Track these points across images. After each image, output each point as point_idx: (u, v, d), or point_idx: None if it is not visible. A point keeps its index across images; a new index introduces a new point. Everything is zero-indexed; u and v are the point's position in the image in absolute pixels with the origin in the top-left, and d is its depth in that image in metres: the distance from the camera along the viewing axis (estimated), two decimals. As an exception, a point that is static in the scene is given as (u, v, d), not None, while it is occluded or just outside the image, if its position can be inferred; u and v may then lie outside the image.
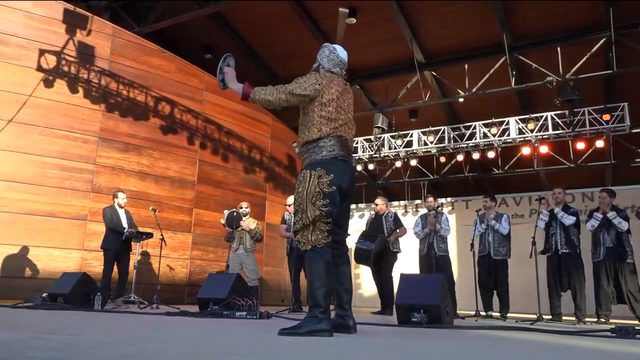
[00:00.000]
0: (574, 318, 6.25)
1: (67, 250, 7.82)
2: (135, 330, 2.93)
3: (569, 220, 6.27)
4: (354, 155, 12.88)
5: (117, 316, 4.45)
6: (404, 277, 4.34)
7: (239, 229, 7.05)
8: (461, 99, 11.10)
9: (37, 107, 7.94)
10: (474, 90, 10.50)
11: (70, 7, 8.49)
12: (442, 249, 6.96)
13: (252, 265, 7.05)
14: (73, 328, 2.87)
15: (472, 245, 6.69)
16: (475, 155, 11.64)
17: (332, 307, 2.95)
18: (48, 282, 6.83)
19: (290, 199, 7.28)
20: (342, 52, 3.22)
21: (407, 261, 8.21)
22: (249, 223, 7.13)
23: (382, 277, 7.10)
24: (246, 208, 7.24)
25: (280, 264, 10.64)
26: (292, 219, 7.18)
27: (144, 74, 9.10)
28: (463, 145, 11.72)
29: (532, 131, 10.83)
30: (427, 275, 5.83)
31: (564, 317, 6.29)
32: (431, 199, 7.22)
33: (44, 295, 5.59)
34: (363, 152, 12.85)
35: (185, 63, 9.77)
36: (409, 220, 11.98)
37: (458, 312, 6.90)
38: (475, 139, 11.52)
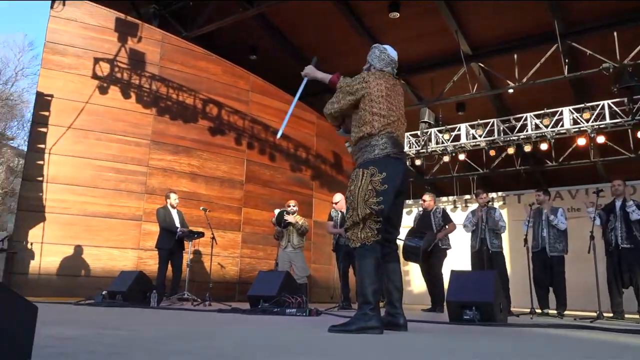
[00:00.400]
0: (637, 316, 5.93)
1: (124, 250, 8.15)
2: (189, 326, 3.01)
3: (638, 215, 5.95)
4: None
5: (172, 313, 4.59)
6: (454, 274, 4.26)
7: (288, 226, 7.11)
8: (511, 90, 10.77)
9: (93, 113, 8.30)
10: (524, 80, 10.16)
11: (122, 16, 8.83)
12: (496, 245, 6.77)
13: (300, 262, 7.10)
14: (131, 324, 2.98)
15: (525, 240, 6.48)
16: (527, 148, 11.27)
17: (381, 304, 2.93)
18: (107, 280, 7.13)
19: (337, 197, 7.28)
20: (392, 52, 3.22)
21: (458, 258, 8.04)
22: (296, 218, 7.19)
23: (431, 274, 6.99)
24: (294, 206, 7.30)
25: (328, 262, 10.67)
26: (338, 215, 7.20)
27: (192, 78, 9.34)
28: (514, 138, 11.37)
29: (587, 121, 10.37)
30: (480, 272, 5.69)
31: (626, 315, 5.99)
32: (484, 194, 7.04)
33: (103, 292, 5.84)
34: (410, 147, 12.69)
35: (231, 65, 9.95)
36: (458, 216, 11.73)
37: (512, 309, 6.71)
38: (527, 131, 11.14)
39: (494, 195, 12.80)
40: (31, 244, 7.55)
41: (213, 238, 7.28)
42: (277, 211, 7.20)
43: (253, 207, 9.67)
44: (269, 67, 11.48)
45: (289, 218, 7.06)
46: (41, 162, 7.85)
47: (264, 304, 4.87)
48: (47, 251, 7.59)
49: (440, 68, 11.39)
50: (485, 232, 6.76)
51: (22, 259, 7.45)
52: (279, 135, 3.76)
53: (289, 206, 7.27)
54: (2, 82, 22.89)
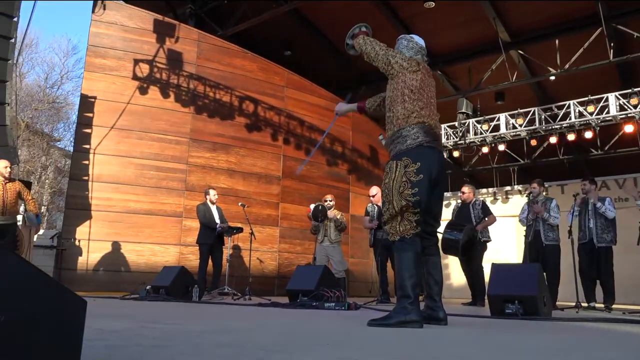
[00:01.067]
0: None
1: (166, 246, 8.36)
2: (230, 320, 3.07)
3: None
4: (437, 143, 12.55)
5: (213, 307, 4.69)
6: (495, 267, 4.17)
7: (325, 221, 7.12)
8: (552, 77, 10.42)
9: (134, 113, 8.54)
10: (567, 66, 9.80)
11: (159, 17, 9.03)
12: (550, 237, 6.55)
13: (338, 257, 7.11)
14: (174, 318, 3.06)
15: (569, 232, 6.27)
16: (570, 137, 10.88)
17: (420, 298, 2.90)
18: (150, 275, 7.35)
19: (373, 190, 7.23)
20: (420, 40, 3.20)
21: (499, 250, 7.86)
22: (335, 214, 7.20)
23: (471, 268, 6.87)
24: (331, 201, 7.31)
25: (366, 255, 10.64)
26: (375, 210, 7.15)
27: (229, 75, 9.47)
28: (556, 127, 11.00)
29: (635, 107, 9.92)
30: (522, 265, 5.54)
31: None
32: (535, 185, 6.81)
33: (147, 287, 6.01)
34: (447, 139, 12.48)
35: (267, 61, 10.03)
36: (498, 208, 11.47)
37: (557, 303, 6.51)
38: (570, 119, 10.76)
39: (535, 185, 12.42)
40: (79, 240, 7.85)
41: (252, 233, 7.37)
42: (312, 206, 7.22)
43: (290, 202, 9.74)
44: (304, 62, 11.50)
45: (330, 214, 7.07)
46: (86, 162, 8.13)
47: (302, 298, 4.90)
48: (93, 247, 7.88)
49: (478, 57, 11.13)
50: (539, 224, 6.55)
51: (71, 255, 7.76)
52: (298, 172, 4.13)
53: (326, 201, 7.28)
54: (49, 85, 23.81)
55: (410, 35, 3.24)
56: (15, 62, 6.54)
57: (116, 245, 8.01)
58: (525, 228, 6.52)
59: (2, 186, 5.99)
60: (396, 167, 2.82)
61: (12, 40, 6.44)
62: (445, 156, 12.34)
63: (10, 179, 6.14)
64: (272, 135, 9.77)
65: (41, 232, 9.45)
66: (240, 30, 10.38)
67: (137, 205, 8.28)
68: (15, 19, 6.47)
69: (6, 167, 6.12)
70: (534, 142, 11.62)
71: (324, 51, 11.59)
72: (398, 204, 2.76)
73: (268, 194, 9.52)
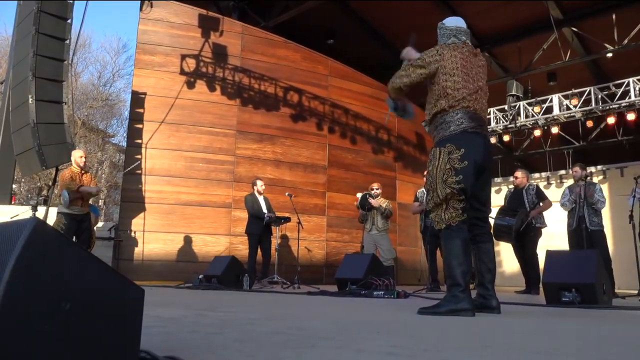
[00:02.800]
0: None
1: (217, 236, 8.58)
2: (281, 308, 3.11)
3: None
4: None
5: (264, 295, 4.78)
6: (551, 254, 4.03)
7: (372, 209, 7.09)
8: (609, 54, 9.88)
9: (183, 107, 8.76)
10: (625, 42, 9.27)
11: (204, 11, 9.19)
12: (595, 222, 6.29)
13: (387, 245, 7.07)
14: (227, 306, 3.14)
15: (630, 216, 5.97)
16: (630, 116, 10.32)
17: (471, 286, 2.85)
18: (202, 264, 7.56)
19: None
20: (450, 22, 3.07)
21: (553, 237, 7.60)
22: (380, 202, 7.15)
23: (525, 254, 6.67)
24: (377, 189, 7.26)
25: (414, 244, 10.53)
26: (425, 196, 7.06)
27: (273, 67, 9.54)
28: (614, 106, 10.46)
29: (702, 82, 9.29)
30: (580, 251, 5.33)
31: None
32: (577, 168, 6.56)
33: (200, 276, 6.19)
34: (497, 123, 12.11)
35: (309, 51, 10.03)
36: (553, 193, 11.06)
37: (617, 291, 6.23)
38: (629, 98, 10.20)
39: (592, 169, 11.89)
40: (134, 232, 8.17)
41: (299, 223, 7.43)
42: (360, 195, 7.20)
43: (336, 191, 9.75)
44: (347, 50, 11.41)
45: (373, 202, 7.03)
46: (139, 156, 8.43)
47: (351, 286, 4.91)
48: (148, 238, 8.18)
49: (528, 36, 10.70)
50: (583, 209, 6.30)
51: (127, 246, 8.10)
52: (386, 122, 3.78)
53: (372, 189, 7.24)
54: (102, 84, 24.76)
55: (442, 21, 3.11)
56: (70, 62, 6.83)
57: (169, 236, 8.29)
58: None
59: (79, 176, 6.18)
60: (440, 154, 2.75)
61: (67, 42, 6.73)
62: (494, 141, 12.05)
63: (85, 170, 6.37)
64: (317, 124, 9.79)
65: (100, 224, 9.89)
66: (282, 20, 10.42)
67: (188, 197, 8.52)
68: (69, 21, 6.75)
69: (81, 156, 6.32)
70: (590, 124, 11.09)
71: (366, 38, 11.46)
72: (442, 192, 2.70)
73: (314, 183, 9.57)
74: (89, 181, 6.34)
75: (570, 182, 6.67)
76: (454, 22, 3.06)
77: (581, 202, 6.32)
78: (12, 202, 9.00)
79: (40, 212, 6.60)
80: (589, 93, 10.76)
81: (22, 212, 6.97)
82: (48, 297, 0.82)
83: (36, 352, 0.80)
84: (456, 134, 2.74)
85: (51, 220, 6.36)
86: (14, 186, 10.53)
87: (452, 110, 2.78)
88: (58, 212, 6.12)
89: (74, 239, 6.01)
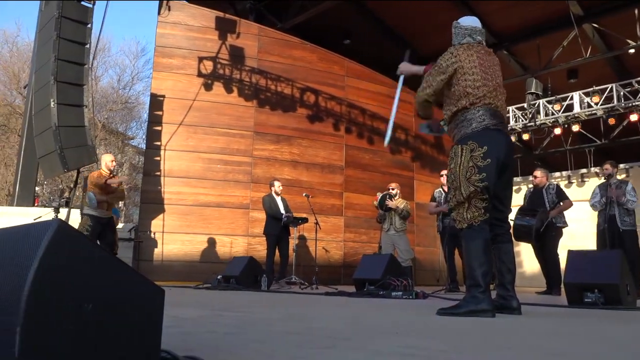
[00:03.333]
0: None
1: (234, 237, 8.63)
2: (299, 308, 3.12)
3: None
4: (505, 126, 12.06)
5: (282, 296, 4.79)
6: (572, 254, 3.96)
7: (390, 210, 7.06)
8: (632, 50, 9.69)
9: (200, 109, 8.84)
10: (648, 38, 9.08)
11: (221, 14, 9.26)
12: (627, 222, 6.14)
13: (404, 245, 7.03)
14: (245, 306, 3.16)
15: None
16: (654, 113, 10.10)
17: (491, 287, 2.81)
18: (221, 265, 7.61)
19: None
20: (465, 21, 3.03)
21: (574, 236, 7.47)
22: (397, 202, 7.12)
23: (546, 255, 6.56)
24: (394, 189, 7.22)
25: (432, 244, 10.46)
26: (442, 196, 7.00)
27: (289, 68, 9.57)
28: (637, 103, 10.25)
29: None
30: (602, 251, 5.24)
31: None
32: (608, 165, 6.40)
33: (219, 277, 6.23)
34: (516, 121, 11.97)
35: (326, 51, 10.03)
36: (574, 192, 10.87)
37: (641, 292, 6.10)
38: (653, 95, 9.99)
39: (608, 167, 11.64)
40: (154, 233, 8.27)
41: (317, 223, 7.43)
42: (379, 194, 7.18)
43: (354, 192, 9.73)
44: (363, 50, 11.39)
45: (390, 204, 7.00)
46: (158, 158, 8.53)
47: (369, 287, 4.90)
48: (167, 239, 8.27)
49: (547, 33, 10.55)
50: (614, 208, 6.15)
51: (147, 247, 8.19)
52: (386, 143, 3.68)
53: (390, 189, 7.21)
54: (121, 87, 25.11)
55: (458, 20, 3.06)
56: (90, 66, 6.94)
57: (188, 237, 8.37)
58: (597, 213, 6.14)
59: (108, 178, 6.32)
60: (462, 152, 2.72)
61: (87, 46, 6.84)
62: (513, 139, 11.90)
63: (114, 173, 6.55)
64: (333, 125, 9.79)
65: (120, 225, 10.03)
66: (298, 22, 10.44)
67: (206, 198, 8.59)
68: (89, 26, 6.87)
69: (112, 160, 6.54)
70: (612, 121, 10.90)
71: (382, 37, 11.43)
72: (466, 190, 2.67)
73: (331, 183, 9.57)
74: (116, 185, 6.51)
75: (593, 180, 6.53)
76: (469, 21, 3.02)
77: (612, 202, 6.18)
78: (35, 204, 9.18)
79: (63, 213, 6.74)
80: (611, 90, 10.57)
81: (45, 214, 7.10)
82: (71, 297, 0.84)
83: (61, 351, 0.81)
84: (478, 131, 2.71)
85: (73, 221, 6.48)
86: (36, 188, 10.74)
87: (474, 108, 2.75)
88: (83, 214, 6.25)
89: (97, 241, 6.13)
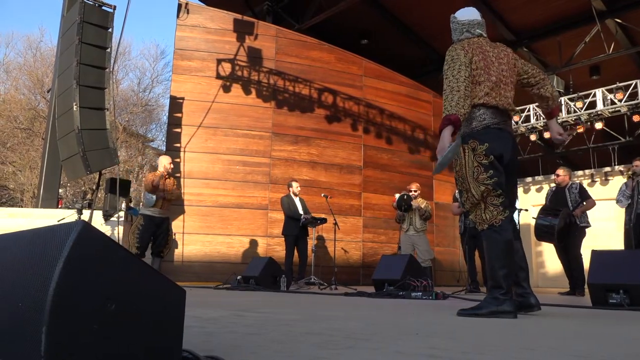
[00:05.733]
0: None
1: (254, 237, 8.68)
2: (318, 309, 3.12)
3: None
4: (526, 124, 11.90)
5: (301, 296, 4.80)
6: (596, 254, 3.89)
7: (410, 210, 7.02)
8: (656, 46, 9.48)
9: (219, 111, 8.91)
10: (673, 32, 8.87)
11: (239, 16, 9.33)
12: None
13: (424, 245, 6.99)
14: (265, 307, 3.17)
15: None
16: (680, 110, 9.86)
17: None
18: (240, 265, 7.67)
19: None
20: (462, 14, 2.88)
21: (598, 236, 7.33)
22: (419, 203, 7.08)
23: (568, 255, 6.46)
24: (415, 191, 7.17)
25: (452, 244, 10.37)
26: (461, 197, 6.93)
27: (307, 68, 9.59)
28: (662, 100, 10.01)
29: None
30: (628, 251, 5.13)
31: None
32: (638, 162, 6.24)
33: (238, 277, 6.27)
34: (537, 120, 11.79)
35: (343, 52, 10.02)
36: (597, 191, 10.67)
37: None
38: (679, 91, 9.75)
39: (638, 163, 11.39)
40: (174, 234, 8.33)
41: (335, 223, 7.43)
42: (397, 195, 7.14)
43: (372, 192, 9.70)
44: (381, 50, 11.36)
45: (414, 204, 6.96)
46: (178, 160, 8.62)
47: (388, 287, 4.88)
48: (188, 240, 8.36)
49: (568, 30, 10.38)
50: None
51: (168, 248, 8.27)
52: (435, 172, 3.14)
53: (411, 190, 7.16)
54: (141, 90, 25.45)
55: (454, 14, 2.91)
56: (111, 69, 7.05)
57: (208, 238, 8.44)
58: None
59: (164, 181, 6.58)
60: (464, 152, 2.66)
61: (108, 50, 6.95)
62: (534, 138, 11.74)
63: (170, 175, 6.78)
64: (352, 125, 9.78)
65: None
66: (316, 22, 10.46)
67: (225, 200, 8.66)
68: (110, 30, 6.97)
69: (170, 162, 6.84)
70: (636, 118, 10.65)
71: (400, 37, 11.37)
72: (477, 190, 2.62)
73: (350, 184, 9.55)
74: (171, 185, 6.72)
75: (617, 179, 6.39)
76: (466, 14, 2.87)
77: (638, 198, 6.03)
78: (59, 206, 9.35)
79: (85, 215, 6.86)
80: (635, 86, 10.34)
81: (68, 215, 7.23)
82: (95, 297, 0.85)
83: (85, 350, 0.83)
84: (478, 129, 2.65)
85: (95, 222, 6.60)
86: (60, 190, 10.95)
87: (475, 107, 2.67)
88: (140, 214, 6.50)
89: (151, 239, 6.40)
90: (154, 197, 6.38)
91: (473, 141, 2.64)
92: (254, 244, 8.63)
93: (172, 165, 6.82)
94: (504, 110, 2.71)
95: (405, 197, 7.00)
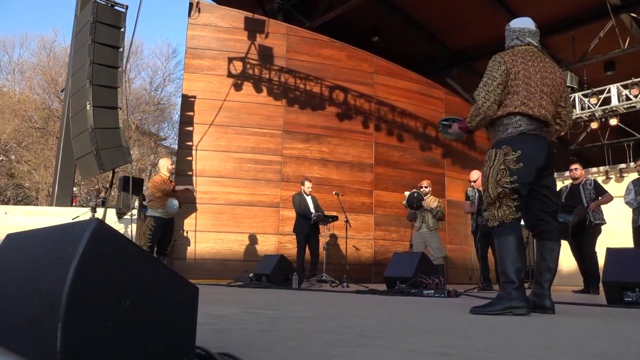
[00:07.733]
0: None
1: (265, 235, 8.70)
2: (330, 307, 3.12)
3: None
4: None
5: (313, 294, 4.80)
6: (612, 252, 3.84)
7: (421, 208, 6.99)
8: (673, 40, 9.33)
9: (231, 109, 8.94)
10: (690, 26, 8.72)
11: (250, 14, 9.34)
12: None
13: (436, 243, 6.96)
14: (277, 304, 3.18)
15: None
16: (697, 105, 9.70)
17: (526, 285, 2.76)
18: (252, 263, 7.68)
19: (474, 175, 6.96)
20: (515, 23, 2.96)
21: (613, 234, 7.24)
22: (430, 202, 7.04)
23: (583, 252, 6.39)
24: (426, 187, 7.14)
25: (464, 242, 10.31)
26: (475, 195, 6.89)
27: (318, 66, 9.58)
28: (679, 95, 9.85)
29: None
30: (642, 249, 5.06)
31: None
32: None
33: (250, 275, 6.29)
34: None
35: (354, 49, 10.00)
36: (612, 188, 10.54)
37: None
38: (696, 86, 9.59)
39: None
40: (186, 232, 8.41)
41: (347, 221, 7.43)
42: (407, 193, 7.11)
43: (384, 190, 9.68)
44: (392, 47, 11.32)
45: (424, 204, 6.93)
46: (190, 158, 8.67)
47: (400, 285, 4.86)
48: (200, 238, 8.41)
49: (582, 25, 10.25)
50: None
51: (181, 246, 8.34)
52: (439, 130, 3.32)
53: (422, 187, 7.13)
54: (153, 88, 25.61)
55: (509, 23, 3.01)
56: (124, 69, 7.10)
57: (220, 236, 8.49)
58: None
59: (169, 183, 6.76)
60: (495, 155, 2.73)
61: (121, 49, 7.00)
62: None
63: (172, 177, 6.99)
64: (363, 123, 9.76)
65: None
66: (326, 20, 10.44)
67: (237, 197, 8.69)
68: (122, 30, 7.03)
69: (171, 164, 7.01)
70: (652, 114, 10.51)
71: (411, 34, 11.31)
72: (494, 191, 2.69)
73: (361, 181, 9.54)
74: (173, 185, 6.88)
75: (633, 175, 6.30)
76: (519, 23, 2.96)
77: None
78: (73, 204, 9.46)
79: (99, 213, 6.94)
80: (651, 82, 10.18)
81: (83, 214, 7.31)
82: (109, 294, 0.86)
83: (100, 346, 0.84)
84: (513, 136, 2.70)
85: (109, 220, 6.68)
86: (74, 189, 11.07)
87: (512, 114, 2.71)
88: (148, 215, 6.67)
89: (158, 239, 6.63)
90: (176, 201, 6.65)
91: (506, 147, 2.69)
92: (265, 241, 8.66)
93: (174, 166, 6.98)
94: (541, 118, 2.74)
95: (415, 194, 6.97)
